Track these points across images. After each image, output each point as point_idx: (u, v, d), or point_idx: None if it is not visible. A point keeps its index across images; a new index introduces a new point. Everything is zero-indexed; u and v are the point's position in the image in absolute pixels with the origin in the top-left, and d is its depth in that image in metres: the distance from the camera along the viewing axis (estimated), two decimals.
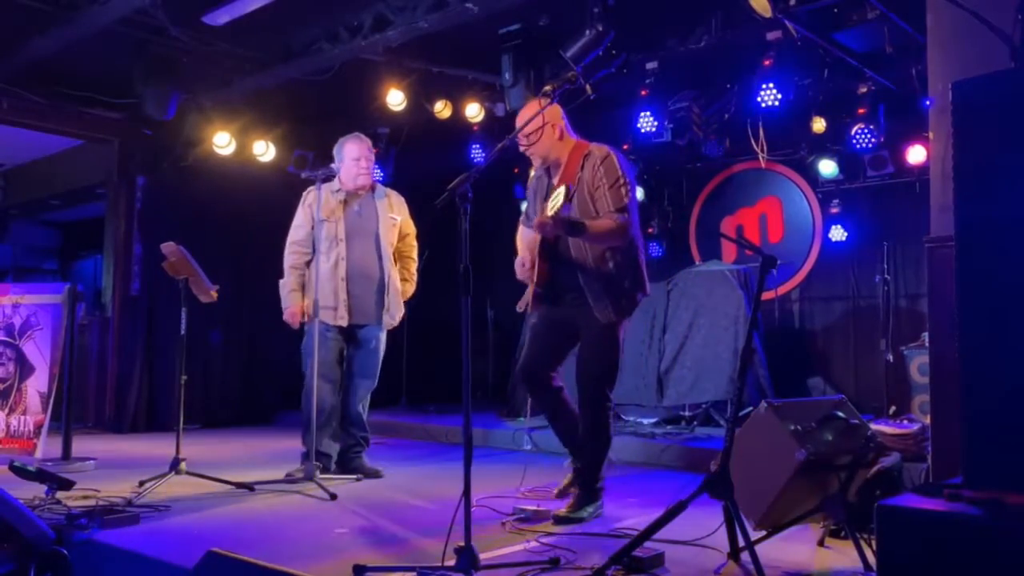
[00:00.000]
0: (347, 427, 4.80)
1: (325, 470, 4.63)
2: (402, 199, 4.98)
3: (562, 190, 3.53)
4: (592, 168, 3.74)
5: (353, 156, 4.71)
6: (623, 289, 3.73)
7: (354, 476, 4.71)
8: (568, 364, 3.95)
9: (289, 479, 4.59)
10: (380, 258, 4.71)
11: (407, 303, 5.00)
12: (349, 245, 4.63)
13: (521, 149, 3.84)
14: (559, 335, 3.87)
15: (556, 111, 3.83)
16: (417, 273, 5.03)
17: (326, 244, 4.68)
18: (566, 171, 3.81)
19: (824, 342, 7.42)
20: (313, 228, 4.68)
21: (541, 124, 3.74)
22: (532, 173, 4.10)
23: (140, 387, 7.38)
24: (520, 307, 4.00)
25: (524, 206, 4.17)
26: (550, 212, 3.51)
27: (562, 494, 4.02)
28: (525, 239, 3.98)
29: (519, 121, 3.83)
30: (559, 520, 3.64)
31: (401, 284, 4.89)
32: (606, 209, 3.68)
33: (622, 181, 3.72)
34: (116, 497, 4.02)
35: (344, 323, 4.66)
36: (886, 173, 6.86)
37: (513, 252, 4.08)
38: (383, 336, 4.79)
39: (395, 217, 4.84)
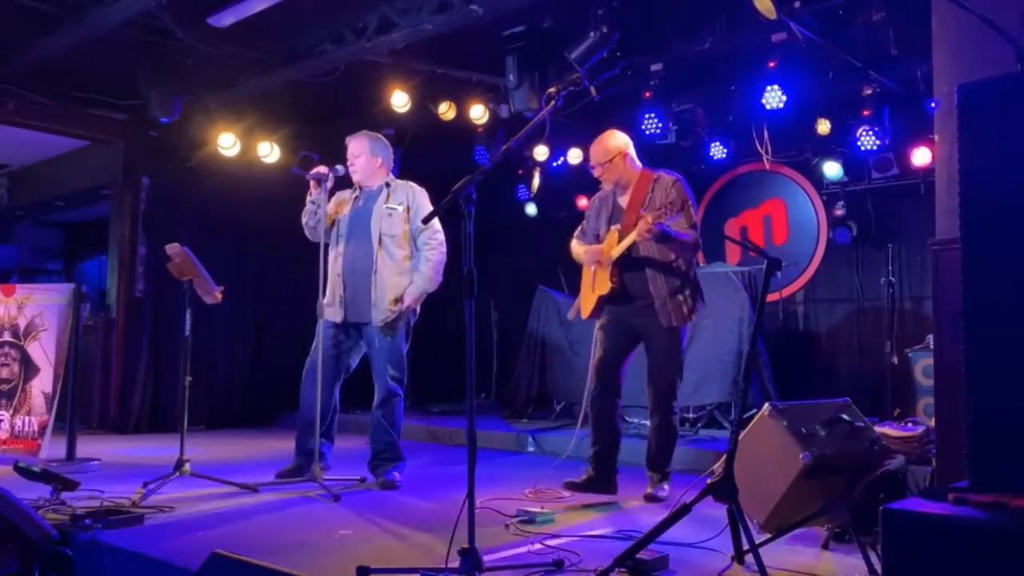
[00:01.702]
0: (372, 432, 4.69)
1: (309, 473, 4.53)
2: (411, 188, 4.72)
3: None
4: (664, 190, 4.23)
5: (348, 154, 4.74)
6: (684, 297, 4.24)
7: (357, 477, 4.70)
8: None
9: (281, 479, 4.59)
10: (373, 252, 4.61)
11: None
12: (348, 241, 4.60)
13: (596, 175, 4.38)
14: (626, 336, 4.32)
15: (625, 140, 4.37)
16: (434, 277, 4.65)
17: (333, 240, 4.71)
18: (635, 193, 4.30)
19: (828, 344, 7.40)
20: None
21: (614, 155, 4.29)
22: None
23: (144, 388, 7.39)
24: (571, 316, 4.59)
25: (583, 223, 4.62)
26: (656, 219, 3.92)
27: (575, 487, 4.23)
28: (589, 252, 4.41)
29: (592, 159, 4.37)
30: (648, 498, 4.21)
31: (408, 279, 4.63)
32: (681, 227, 4.15)
33: (690, 202, 4.28)
34: (120, 498, 4.03)
35: (339, 319, 4.58)
36: (891, 175, 6.84)
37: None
38: (389, 336, 4.59)
39: (393, 207, 4.65)
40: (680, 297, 4.21)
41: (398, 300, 4.57)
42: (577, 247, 4.54)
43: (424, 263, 4.62)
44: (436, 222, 4.59)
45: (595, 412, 4.31)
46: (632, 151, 4.38)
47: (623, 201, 4.35)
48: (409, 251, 4.67)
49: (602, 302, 4.30)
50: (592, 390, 4.31)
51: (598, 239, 4.41)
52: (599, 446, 4.29)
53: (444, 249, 4.66)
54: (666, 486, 4.27)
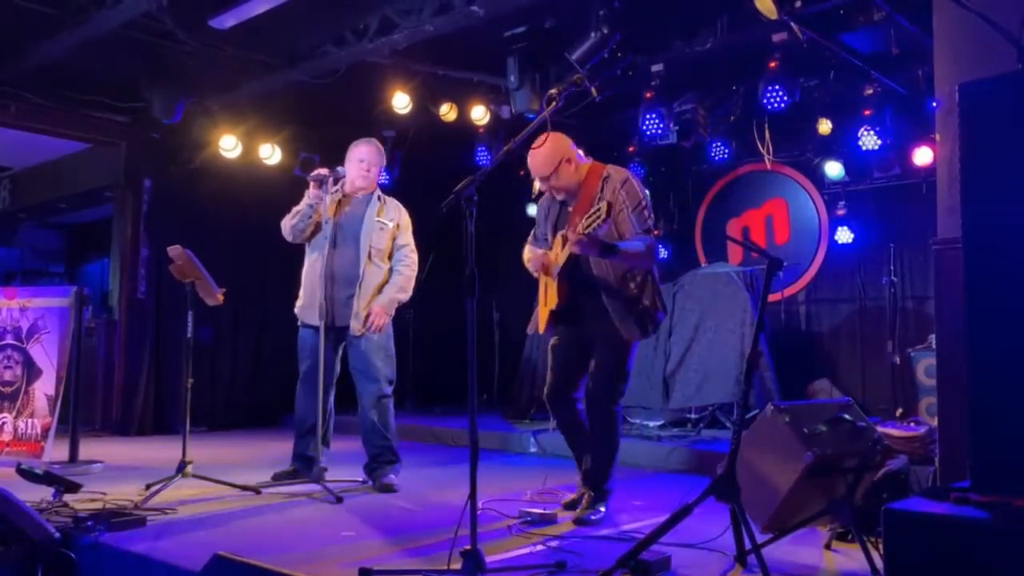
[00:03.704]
0: (365, 436, 4.70)
1: (311, 474, 4.51)
2: (400, 207, 4.82)
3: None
4: (613, 191, 3.77)
5: (358, 157, 4.69)
6: (644, 308, 3.78)
7: (360, 479, 4.70)
8: None
9: (277, 481, 4.60)
10: (359, 261, 4.62)
11: (412, 306, 4.88)
12: (334, 246, 4.58)
13: (543, 189, 3.94)
14: (580, 353, 3.90)
15: (565, 143, 3.86)
16: (410, 288, 4.77)
17: (316, 243, 4.67)
18: (584, 194, 3.83)
19: (831, 344, 7.40)
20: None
21: (557, 163, 3.79)
22: (539, 191, 4.14)
23: (147, 390, 7.40)
24: (530, 330, 4.11)
25: (534, 228, 4.22)
26: (585, 228, 3.46)
27: (570, 506, 4.02)
28: (532, 260, 4.01)
29: (535, 170, 3.87)
30: (577, 522, 3.72)
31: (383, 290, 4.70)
32: (632, 231, 3.72)
33: (644, 203, 3.80)
34: (123, 500, 4.03)
35: (318, 323, 4.50)
36: (892, 175, 6.84)
37: (520, 257, 4.12)
38: (375, 336, 4.61)
39: (384, 222, 4.71)
40: (639, 307, 3.76)
41: (370, 314, 4.58)
42: (526, 256, 4.14)
43: (399, 275, 4.71)
44: (412, 242, 4.77)
45: (566, 437, 4.08)
46: (575, 152, 3.89)
47: (571, 203, 3.91)
48: (389, 266, 4.73)
49: (554, 317, 3.89)
50: (553, 419, 4.11)
51: (549, 245, 4.01)
52: (581, 465, 4.05)
53: (416, 268, 4.79)
54: (601, 508, 3.82)
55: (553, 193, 3.95)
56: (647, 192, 3.92)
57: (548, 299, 3.89)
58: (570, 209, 3.89)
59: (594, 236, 3.47)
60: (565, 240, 3.65)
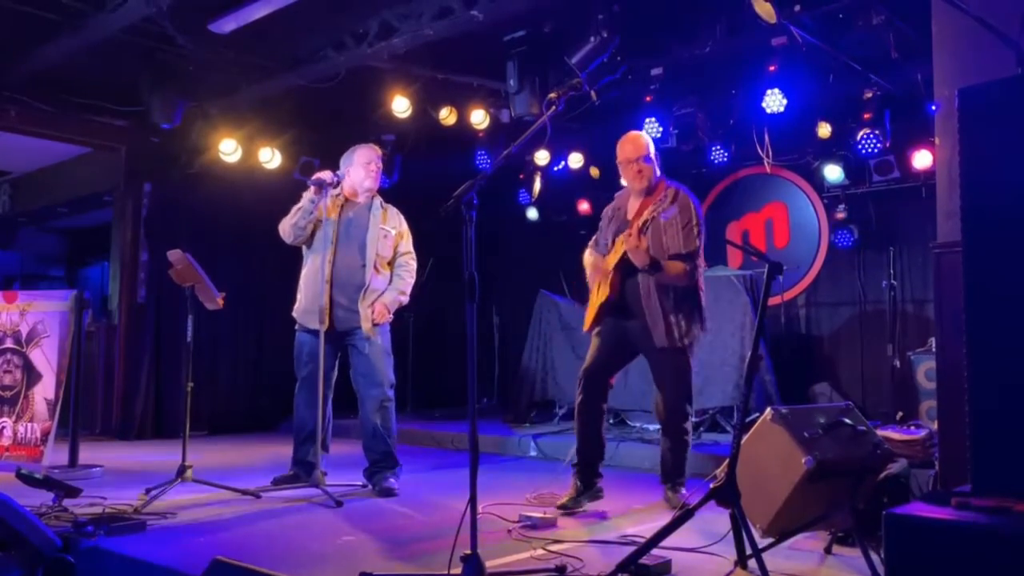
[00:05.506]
0: (366, 441, 4.69)
1: (311, 479, 4.50)
2: (400, 215, 4.86)
3: (648, 212, 3.91)
4: (670, 202, 4.04)
5: (364, 161, 4.70)
6: (677, 319, 4.06)
7: (360, 483, 4.69)
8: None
9: (277, 485, 4.59)
10: (364, 266, 4.62)
11: (412, 310, 4.89)
12: (337, 250, 4.58)
13: (632, 171, 4.17)
14: (622, 347, 4.23)
15: (651, 144, 4.20)
16: (408, 293, 4.83)
17: (317, 245, 4.66)
18: (645, 203, 4.11)
19: (831, 348, 7.39)
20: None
21: (649, 152, 4.15)
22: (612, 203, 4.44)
23: (147, 394, 7.39)
24: (586, 329, 4.38)
25: (596, 233, 4.48)
26: (650, 215, 3.87)
27: (569, 511, 4.07)
28: (592, 262, 4.31)
29: (633, 152, 4.16)
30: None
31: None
32: (676, 248, 4.01)
33: (695, 222, 4.07)
34: (122, 504, 4.03)
35: (324, 327, 4.47)
36: (892, 178, 6.84)
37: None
38: (379, 340, 4.63)
39: (388, 229, 4.74)
40: (672, 319, 4.04)
41: (374, 311, 4.63)
42: (586, 259, 4.40)
43: (400, 280, 4.77)
44: (413, 250, 4.86)
45: (580, 421, 4.21)
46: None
47: (632, 212, 4.20)
48: (390, 272, 4.78)
49: (602, 311, 4.18)
50: (577, 397, 4.22)
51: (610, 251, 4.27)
52: (583, 456, 4.20)
53: (415, 275, 4.87)
54: (683, 491, 4.19)
55: (636, 182, 4.18)
56: (702, 215, 4.17)
57: (599, 294, 4.17)
58: (629, 218, 4.15)
59: (645, 248, 3.86)
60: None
